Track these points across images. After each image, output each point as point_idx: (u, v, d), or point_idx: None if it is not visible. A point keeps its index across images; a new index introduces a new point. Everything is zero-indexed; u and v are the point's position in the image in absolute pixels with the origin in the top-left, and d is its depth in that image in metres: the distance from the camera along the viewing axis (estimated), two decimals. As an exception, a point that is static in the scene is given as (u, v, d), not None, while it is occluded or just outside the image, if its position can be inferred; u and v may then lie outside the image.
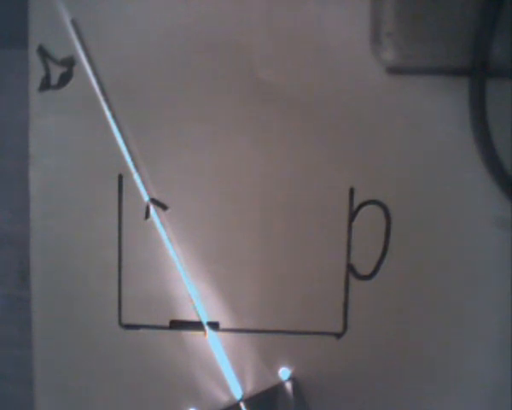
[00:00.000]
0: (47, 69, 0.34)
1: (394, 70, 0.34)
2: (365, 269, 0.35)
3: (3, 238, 0.40)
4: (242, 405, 0.35)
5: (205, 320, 0.35)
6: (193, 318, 0.35)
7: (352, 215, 0.35)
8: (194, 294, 0.35)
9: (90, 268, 0.36)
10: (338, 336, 0.35)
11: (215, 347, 0.35)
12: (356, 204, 0.35)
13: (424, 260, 0.35)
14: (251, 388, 0.36)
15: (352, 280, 0.35)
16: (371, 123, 0.34)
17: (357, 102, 0.34)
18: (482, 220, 0.34)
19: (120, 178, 0.35)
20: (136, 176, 0.35)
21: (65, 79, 0.35)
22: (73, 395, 0.36)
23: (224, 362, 0.35)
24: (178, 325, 0.36)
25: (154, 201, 0.35)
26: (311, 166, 0.35)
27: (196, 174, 0.35)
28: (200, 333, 0.36)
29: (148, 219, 0.35)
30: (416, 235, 0.35)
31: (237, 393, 0.35)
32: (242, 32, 0.34)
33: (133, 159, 0.35)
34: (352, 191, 0.35)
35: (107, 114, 0.35)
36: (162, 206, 0.35)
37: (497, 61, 0.33)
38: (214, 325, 0.35)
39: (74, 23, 0.34)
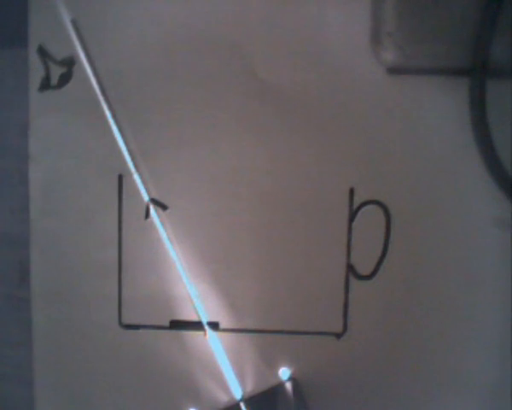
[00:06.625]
0: (47, 69, 0.34)
1: (394, 70, 0.34)
2: (365, 269, 0.35)
3: (3, 238, 0.40)
4: (242, 405, 0.35)
5: (205, 320, 0.35)
6: (193, 318, 0.36)
7: (352, 215, 0.35)
8: (194, 294, 0.35)
9: (90, 268, 0.36)
10: (338, 336, 0.35)
11: (215, 347, 0.35)
12: (356, 204, 0.35)
13: (424, 260, 0.35)
14: (251, 388, 0.36)
15: (352, 280, 0.35)
16: (371, 123, 0.34)
17: (358, 102, 0.34)
18: (482, 220, 0.34)
19: (120, 178, 0.35)
20: (136, 176, 0.35)
21: (65, 79, 0.35)
22: (73, 395, 0.36)
23: (224, 362, 0.35)
24: (178, 325, 0.36)
25: (154, 201, 0.35)
26: (311, 166, 0.35)
27: (196, 174, 0.35)
28: (200, 333, 0.36)
29: (148, 219, 0.35)
30: (416, 235, 0.35)
31: (237, 393, 0.35)
32: (242, 32, 0.34)
33: (133, 159, 0.35)
34: (352, 191, 0.35)
35: (107, 114, 0.35)
36: (162, 206, 0.35)
37: (497, 61, 0.33)
38: (214, 325, 0.35)
39: (74, 23, 0.34)
